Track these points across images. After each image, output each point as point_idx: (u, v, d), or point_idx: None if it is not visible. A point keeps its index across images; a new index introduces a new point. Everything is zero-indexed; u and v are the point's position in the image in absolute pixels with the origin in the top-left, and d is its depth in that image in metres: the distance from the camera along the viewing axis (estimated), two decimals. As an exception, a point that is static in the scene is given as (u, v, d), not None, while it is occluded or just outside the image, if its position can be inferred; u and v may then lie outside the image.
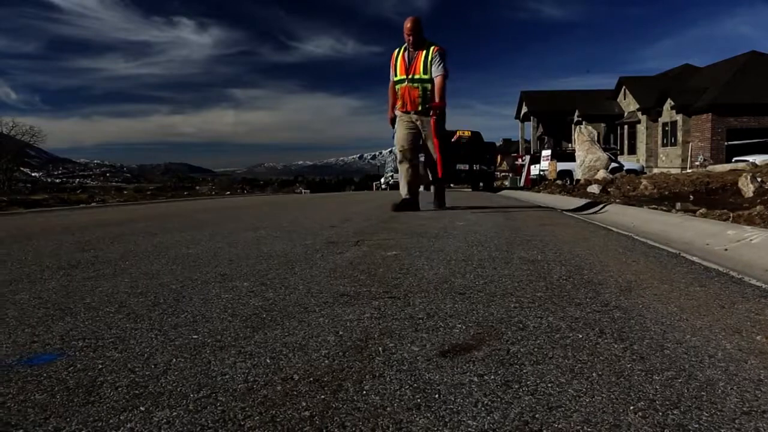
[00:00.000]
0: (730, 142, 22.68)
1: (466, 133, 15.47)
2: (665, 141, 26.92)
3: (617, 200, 7.68)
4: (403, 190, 5.40)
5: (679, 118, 25.19)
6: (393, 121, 5.46)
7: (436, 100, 5.11)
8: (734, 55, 27.41)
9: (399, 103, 5.32)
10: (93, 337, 1.28)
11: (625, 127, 29.97)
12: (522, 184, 19.85)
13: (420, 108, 5.22)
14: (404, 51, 5.25)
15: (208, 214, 5.80)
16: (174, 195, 15.69)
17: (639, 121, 28.50)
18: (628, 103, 29.94)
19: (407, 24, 5.14)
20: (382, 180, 34.46)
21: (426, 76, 5.16)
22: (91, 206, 8.88)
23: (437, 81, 5.13)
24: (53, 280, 1.99)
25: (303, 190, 32.84)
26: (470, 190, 16.13)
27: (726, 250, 2.85)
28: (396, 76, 5.32)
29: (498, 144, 34.23)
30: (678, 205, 5.72)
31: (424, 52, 5.16)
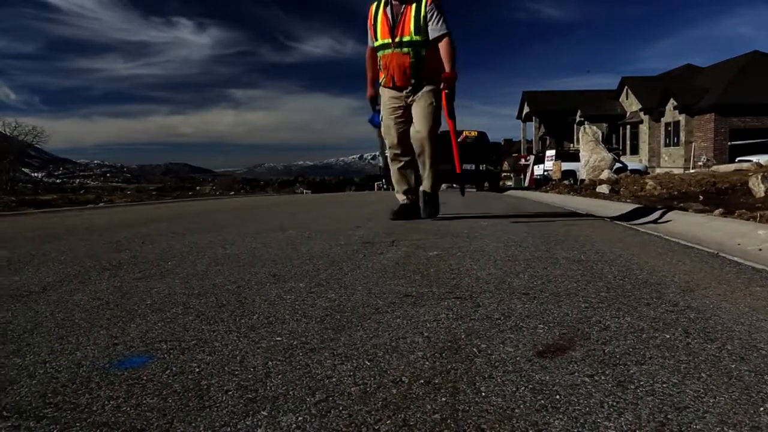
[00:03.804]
0: (733, 142, 22.73)
1: (473, 133, 15.49)
2: (668, 141, 26.96)
3: (628, 200, 7.68)
4: (400, 195, 4.25)
5: (681, 118, 25.24)
6: (374, 99, 4.24)
7: (446, 68, 3.78)
8: (735, 55, 27.51)
9: (382, 76, 3.97)
10: (173, 339, 1.26)
11: (628, 127, 30.01)
12: (526, 184, 19.88)
13: (413, 82, 3.88)
14: (385, 5, 3.91)
15: (224, 215, 5.78)
16: (179, 195, 15.66)
17: (641, 122, 28.54)
18: (631, 103, 29.98)
19: None
20: (384, 180, 34.43)
21: (419, 38, 3.78)
22: (99, 206, 8.85)
23: (443, 44, 3.78)
24: (102, 281, 1.98)
25: (304, 191, 32.80)
26: (474, 189, 16.13)
27: (761, 250, 2.84)
28: (377, 39, 3.94)
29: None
30: (681, 205, 5.71)
31: (415, 4, 3.80)
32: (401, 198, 4.27)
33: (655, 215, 4.45)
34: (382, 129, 4.13)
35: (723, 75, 25.48)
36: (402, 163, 4.18)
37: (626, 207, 5.67)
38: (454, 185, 17.49)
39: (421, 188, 4.21)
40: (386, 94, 4.04)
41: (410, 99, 3.92)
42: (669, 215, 4.30)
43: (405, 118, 4.01)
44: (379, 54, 3.94)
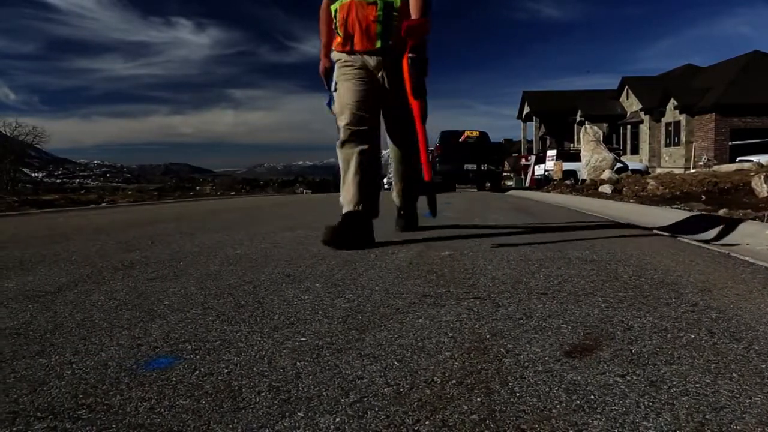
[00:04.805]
0: (733, 142, 22.75)
1: (474, 133, 15.52)
2: (668, 141, 26.99)
3: (631, 200, 7.69)
4: (349, 198, 2.79)
5: (682, 118, 25.26)
6: (328, 73, 3.05)
7: (413, 14, 2.67)
8: (735, 55, 27.55)
9: (338, 39, 2.89)
10: (197, 340, 1.26)
11: (628, 127, 30.04)
12: (527, 184, 19.90)
13: (380, 44, 2.79)
14: None
15: (228, 215, 5.77)
16: (180, 195, 15.64)
17: (642, 121, 28.57)
18: (631, 103, 30.00)
19: None
20: (385, 180, 34.44)
21: None
22: (102, 207, 8.84)
23: None
24: (116, 281, 1.97)
25: (304, 191, 32.71)
26: (476, 190, 16.14)
27: (770, 249, 2.84)
28: None
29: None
30: (684, 206, 5.71)
31: None
32: (350, 204, 2.79)
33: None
34: (338, 101, 2.91)
35: (723, 75, 25.50)
36: (357, 150, 2.81)
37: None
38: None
39: (397, 201, 3.34)
40: (344, 61, 2.90)
41: (377, 68, 2.86)
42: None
43: (369, 90, 2.86)
44: (335, 6, 2.87)
